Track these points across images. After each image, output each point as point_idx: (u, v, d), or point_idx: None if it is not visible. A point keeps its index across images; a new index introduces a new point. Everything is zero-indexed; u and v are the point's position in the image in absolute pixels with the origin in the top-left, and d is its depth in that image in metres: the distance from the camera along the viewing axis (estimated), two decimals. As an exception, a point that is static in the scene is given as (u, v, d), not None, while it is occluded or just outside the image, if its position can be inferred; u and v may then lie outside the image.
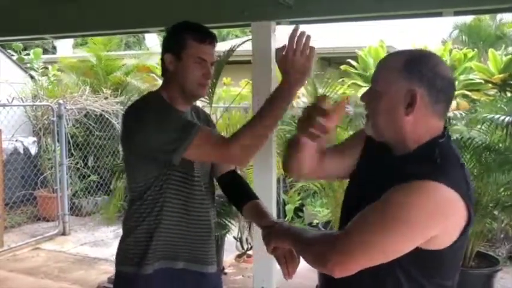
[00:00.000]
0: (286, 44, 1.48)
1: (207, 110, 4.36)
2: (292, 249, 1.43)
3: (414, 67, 1.18)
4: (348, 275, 1.12)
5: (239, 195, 1.80)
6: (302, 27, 1.54)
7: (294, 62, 1.47)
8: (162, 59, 1.71)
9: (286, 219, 6.00)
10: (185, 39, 1.65)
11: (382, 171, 1.25)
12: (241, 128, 1.59)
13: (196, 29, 1.68)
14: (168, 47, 1.70)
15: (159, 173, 1.65)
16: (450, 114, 4.17)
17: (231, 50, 3.98)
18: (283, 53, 1.48)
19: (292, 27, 1.54)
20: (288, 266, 1.47)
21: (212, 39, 1.69)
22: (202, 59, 1.66)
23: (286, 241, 1.38)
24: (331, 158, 1.45)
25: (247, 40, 3.69)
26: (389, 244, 1.10)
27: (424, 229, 1.10)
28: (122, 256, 1.75)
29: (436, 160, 1.14)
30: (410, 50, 1.27)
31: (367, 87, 1.29)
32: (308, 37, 1.50)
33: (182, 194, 1.70)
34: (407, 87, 1.17)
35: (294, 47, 1.46)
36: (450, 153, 1.19)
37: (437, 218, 1.10)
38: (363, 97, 1.27)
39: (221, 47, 4.11)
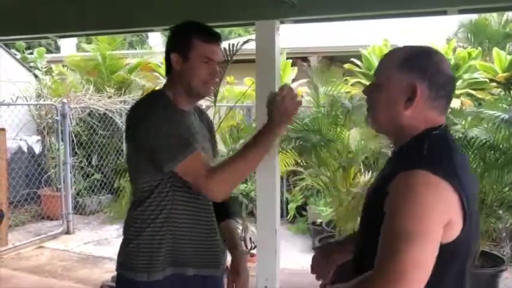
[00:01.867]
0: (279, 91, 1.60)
1: (211, 109, 4.38)
2: None
3: (416, 62, 1.19)
4: None
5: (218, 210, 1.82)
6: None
7: (281, 105, 1.57)
8: (167, 59, 1.70)
9: (289, 217, 6.00)
10: (192, 39, 1.65)
11: (385, 167, 1.29)
12: (224, 164, 1.61)
13: (203, 29, 1.69)
14: (174, 47, 1.69)
15: (162, 177, 1.63)
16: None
17: (236, 49, 3.97)
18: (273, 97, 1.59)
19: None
20: None
21: (218, 39, 1.70)
22: (210, 59, 1.66)
23: None
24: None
25: (252, 40, 3.68)
26: (423, 256, 1.06)
27: (437, 219, 1.07)
28: (126, 261, 1.72)
29: (423, 151, 1.14)
30: (414, 45, 1.28)
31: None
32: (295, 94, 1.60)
33: (190, 199, 1.68)
34: (408, 81, 1.18)
35: (284, 93, 1.57)
36: (441, 144, 1.18)
37: (436, 205, 1.08)
38: (364, 90, 1.29)
39: (224, 46, 4.11)
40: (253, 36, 2.90)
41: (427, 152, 1.14)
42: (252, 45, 2.81)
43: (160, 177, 1.64)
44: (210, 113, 4.63)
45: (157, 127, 1.58)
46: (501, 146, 3.75)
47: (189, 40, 1.65)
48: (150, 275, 1.65)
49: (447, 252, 1.11)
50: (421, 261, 1.06)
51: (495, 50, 7.36)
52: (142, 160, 1.66)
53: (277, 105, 1.57)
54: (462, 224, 1.11)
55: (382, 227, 1.11)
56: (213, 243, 1.76)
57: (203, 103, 4.40)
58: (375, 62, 7.31)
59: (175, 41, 1.71)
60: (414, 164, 1.11)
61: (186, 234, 1.69)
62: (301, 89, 7.43)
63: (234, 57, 4.10)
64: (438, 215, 1.08)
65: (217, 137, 5.05)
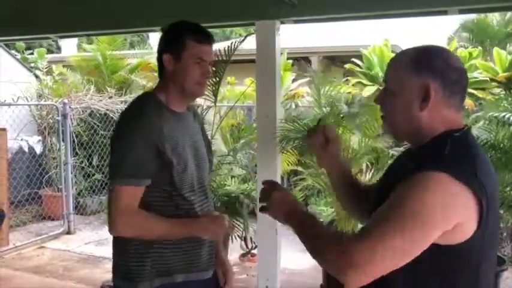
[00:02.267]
0: None
1: (211, 109, 4.38)
2: None
3: (425, 62, 1.17)
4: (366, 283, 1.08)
5: None
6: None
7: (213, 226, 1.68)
8: (160, 59, 1.69)
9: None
10: (184, 39, 1.64)
11: (397, 165, 1.29)
12: (143, 218, 1.61)
13: (195, 30, 1.68)
14: (166, 47, 1.68)
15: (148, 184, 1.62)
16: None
17: (234, 48, 3.96)
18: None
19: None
20: None
21: (210, 39, 1.69)
22: (202, 59, 1.66)
23: (292, 222, 1.27)
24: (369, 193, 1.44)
25: (250, 35, 3.66)
26: (407, 242, 1.05)
27: (436, 219, 1.05)
28: (116, 270, 1.72)
29: (445, 152, 1.11)
30: (419, 46, 1.26)
31: (372, 86, 1.30)
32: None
33: (175, 205, 1.66)
34: (420, 82, 1.16)
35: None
36: (462, 146, 1.15)
37: (445, 209, 1.06)
38: (376, 99, 1.27)
39: (225, 46, 4.11)
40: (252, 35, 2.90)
41: (449, 153, 1.11)
42: (252, 45, 2.81)
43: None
44: (211, 113, 4.64)
45: (124, 141, 1.59)
46: (502, 145, 3.75)
47: (181, 40, 1.64)
48: (138, 284, 1.63)
49: (455, 253, 1.10)
50: (397, 252, 1.05)
51: (495, 50, 7.35)
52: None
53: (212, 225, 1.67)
54: (476, 227, 1.09)
55: (381, 206, 1.11)
56: (204, 246, 1.74)
57: (204, 103, 4.42)
58: (376, 62, 7.31)
59: (167, 42, 1.70)
60: (434, 166, 1.08)
61: (172, 243, 1.66)
62: (302, 89, 7.45)
63: (235, 57, 4.10)
64: (442, 220, 1.06)
65: (218, 137, 5.06)
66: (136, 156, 1.56)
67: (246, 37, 4.07)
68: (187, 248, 1.69)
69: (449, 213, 1.06)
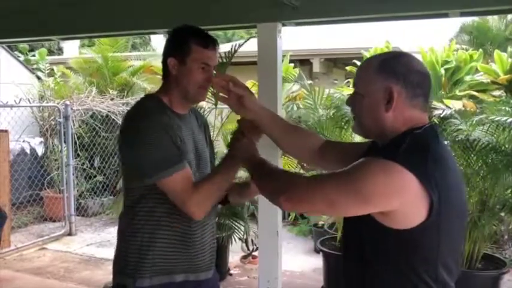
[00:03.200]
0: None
1: (213, 111, 4.39)
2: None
3: (388, 66, 1.28)
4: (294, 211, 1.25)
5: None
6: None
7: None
8: (164, 63, 1.71)
9: (290, 218, 6.00)
10: (189, 44, 1.66)
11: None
12: (203, 184, 1.64)
13: (200, 35, 1.70)
14: (171, 51, 1.71)
15: (154, 183, 1.62)
16: (448, 112, 4.13)
17: (234, 50, 3.97)
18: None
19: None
20: None
21: (215, 44, 1.71)
22: (207, 64, 1.68)
23: (250, 163, 1.56)
24: (332, 150, 1.66)
25: (253, 37, 3.67)
26: (339, 199, 1.21)
27: (372, 196, 1.17)
28: (116, 265, 1.73)
29: (401, 147, 1.21)
30: (384, 52, 1.39)
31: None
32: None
33: (171, 205, 1.66)
34: (384, 85, 1.26)
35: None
36: (419, 142, 1.23)
37: (390, 191, 1.17)
38: (347, 101, 1.38)
39: (227, 48, 4.12)
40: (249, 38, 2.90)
41: (404, 149, 1.21)
42: (254, 48, 2.81)
43: (150, 185, 1.63)
44: (212, 114, 4.65)
45: (145, 137, 1.59)
46: (503, 148, 3.75)
47: (186, 45, 1.66)
48: (137, 280, 1.64)
49: (405, 241, 1.19)
50: (326, 200, 1.24)
51: (497, 53, 7.36)
52: (129, 168, 1.68)
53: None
54: (426, 216, 1.17)
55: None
56: (207, 246, 1.76)
57: (205, 105, 4.42)
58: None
59: (172, 46, 1.72)
60: (388, 156, 1.18)
61: (175, 242, 1.67)
62: (303, 90, 7.45)
63: (237, 60, 4.11)
64: (379, 198, 1.17)
65: (220, 139, 5.07)
66: (164, 147, 1.59)
67: (246, 41, 4.07)
68: (192, 250, 1.71)
69: (388, 194, 1.17)
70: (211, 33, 1.76)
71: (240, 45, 4.01)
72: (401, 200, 1.17)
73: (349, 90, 6.15)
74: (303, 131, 1.82)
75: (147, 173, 1.59)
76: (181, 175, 1.59)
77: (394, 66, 1.27)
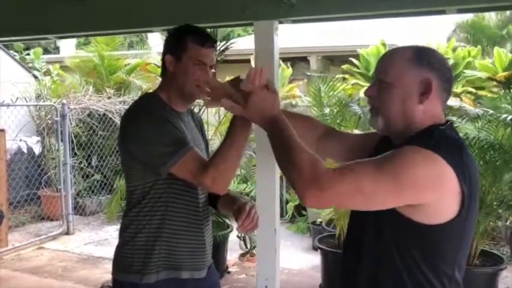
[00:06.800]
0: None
1: (210, 109, 4.38)
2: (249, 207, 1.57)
3: (424, 57, 1.24)
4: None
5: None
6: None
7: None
8: (163, 60, 1.74)
9: (288, 216, 6.01)
10: (186, 41, 1.68)
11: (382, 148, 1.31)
12: (216, 156, 1.56)
13: (197, 32, 1.72)
14: (169, 48, 1.73)
15: (157, 178, 1.64)
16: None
17: (224, 48, 3.93)
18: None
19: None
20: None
21: (212, 43, 1.72)
22: (202, 62, 1.69)
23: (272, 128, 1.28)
24: (332, 142, 1.54)
25: (247, 36, 3.65)
26: (370, 187, 1.10)
27: (412, 188, 1.10)
28: (120, 264, 1.73)
29: (433, 138, 1.16)
30: (415, 44, 1.31)
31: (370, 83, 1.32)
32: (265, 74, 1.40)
33: (185, 202, 1.69)
34: (421, 76, 1.21)
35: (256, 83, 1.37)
36: (448, 136, 1.21)
37: (429, 184, 1.11)
38: (368, 91, 1.29)
39: (222, 46, 4.10)
40: (249, 36, 2.89)
41: (437, 140, 1.16)
42: (251, 45, 2.81)
43: (153, 180, 1.64)
44: (210, 112, 4.64)
45: (150, 130, 1.59)
46: (501, 144, 3.76)
47: (183, 42, 1.68)
48: (144, 276, 1.65)
49: (430, 237, 1.15)
50: (361, 194, 1.11)
51: (496, 49, 7.38)
52: (135, 163, 1.67)
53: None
54: (457, 213, 1.14)
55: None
56: (208, 245, 1.78)
57: (202, 103, 4.41)
58: (373, 62, 7.31)
59: (170, 43, 1.74)
60: (424, 144, 1.13)
61: (180, 237, 1.69)
62: (296, 89, 7.46)
63: (234, 57, 4.10)
64: (416, 190, 1.11)
65: (217, 136, 5.06)
66: (169, 135, 1.59)
67: (231, 43, 3.98)
68: (195, 247, 1.72)
69: (426, 187, 1.11)
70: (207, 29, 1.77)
71: (230, 44, 3.97)
72: (437, 193, 1.12)
73: (348, 90, 6.13)
74: (302, 123, 1.57)
75: (160, 162, 1.57)
76: (192, 155, 1.57)
77: (429, 58, 1.24)
